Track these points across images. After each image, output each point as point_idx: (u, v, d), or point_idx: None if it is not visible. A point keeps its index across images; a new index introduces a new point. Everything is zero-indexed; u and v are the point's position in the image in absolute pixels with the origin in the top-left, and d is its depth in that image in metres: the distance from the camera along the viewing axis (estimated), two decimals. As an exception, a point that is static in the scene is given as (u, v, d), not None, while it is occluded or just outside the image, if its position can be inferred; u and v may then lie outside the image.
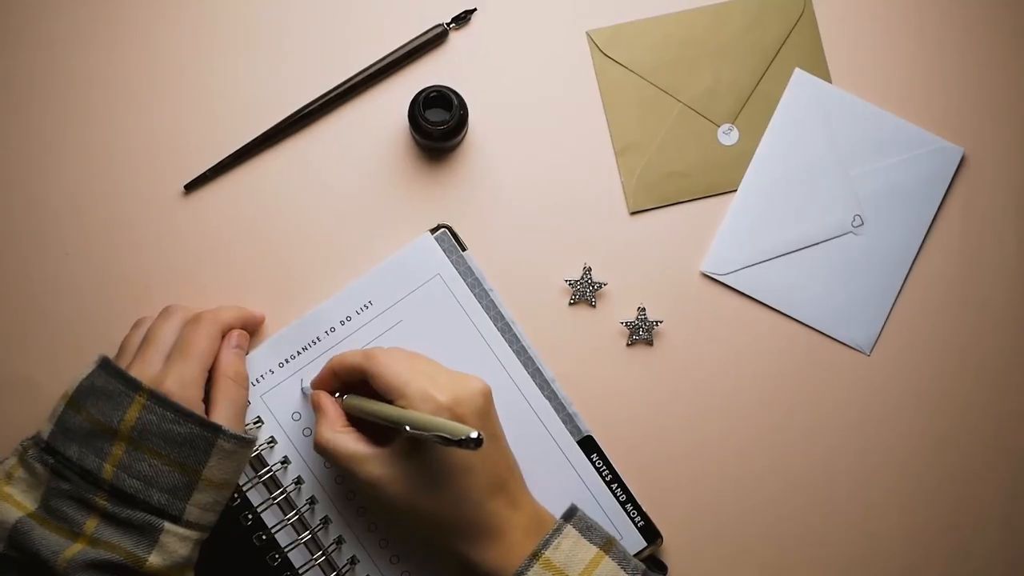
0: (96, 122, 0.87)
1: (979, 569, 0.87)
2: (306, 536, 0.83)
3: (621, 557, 0.76)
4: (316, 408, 0.80)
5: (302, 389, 0.85)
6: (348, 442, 0.76)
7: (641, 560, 0.83)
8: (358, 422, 0.79)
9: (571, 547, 0.75)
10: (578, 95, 0.89)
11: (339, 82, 0.88)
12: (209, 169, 0.87)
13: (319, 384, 0.82)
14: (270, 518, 0.83)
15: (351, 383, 0.80)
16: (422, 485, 0.74)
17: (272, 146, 0.88)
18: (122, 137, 0.87)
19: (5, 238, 0.86)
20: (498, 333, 0.85)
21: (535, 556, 0.74)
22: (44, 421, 0.77)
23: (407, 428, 0.70)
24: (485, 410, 0.76)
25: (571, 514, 0.77)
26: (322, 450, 0.77)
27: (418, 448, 0.74)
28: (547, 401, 0.85)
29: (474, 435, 0.67)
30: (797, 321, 0.88)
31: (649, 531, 0.85)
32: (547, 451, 0.85)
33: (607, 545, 0.77)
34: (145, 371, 0.77)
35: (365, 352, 0.79)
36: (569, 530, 0.76)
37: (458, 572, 0.83)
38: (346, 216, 0.87)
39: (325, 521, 0.84)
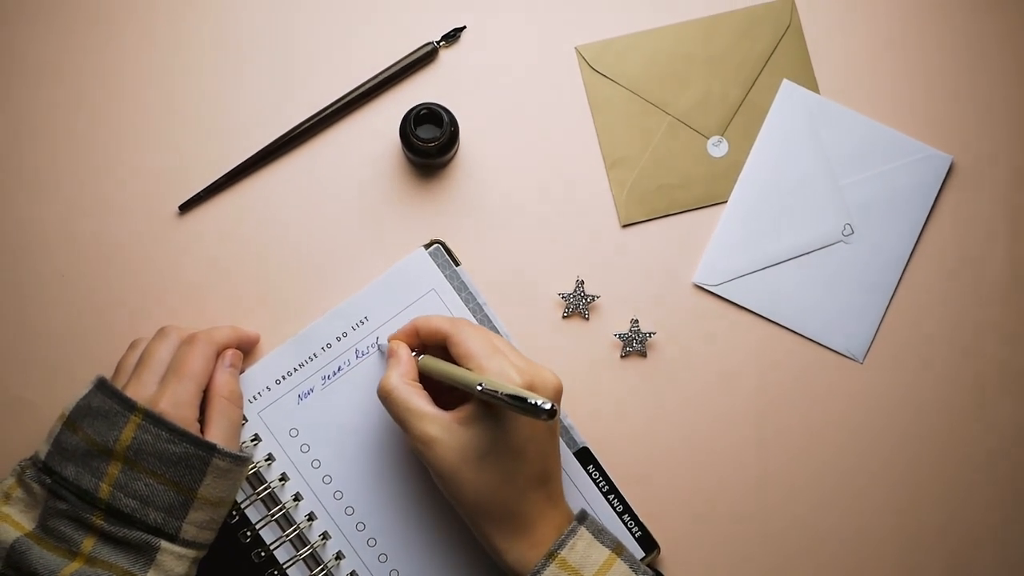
0: (90, 145, 0.88)
1: (975, 575, 0.87)
2: (305, 552, 0.83)
3: (631, 561, 0.77)
4: (391, 356, 0.81)
5: (377, 345, 0.85)
6: (412, 395, 0.77)
7: (638, 571, 0.83)
8: (424, 385, 0.79)
9: (585, 548, 0.75)
10: (568, 110, 0.90)
11: (331, 101, 0.88)
12: (203, 190, 0.87)
13: (399, 338, 0.82)
14: (268, 535, 0.83)
15: (429, 346, 0.81)
16: (473, 458, 0.74)
17: (265, 166, 0.88)
18: (116, 159, 0.88)
19: (1, 261, 0.87)
20: (493, 347, 0.86)
21: (551, 556, 0.74)
22: (41, 441, 0.78)
23: (480, 386, 0.70)
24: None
25: (583, 517, 0.78)
26: (385, 394, 0.78)
27: (478, 422, 0.74)
28: (542, 414, 0.85)
29: (548, 406, 0.67)
30: (789, 330, 0.88)
31: (646, 541, 0.85)
32: (543, 464, 0.85)
33: (618, 548, 0.77)
34: (140, 391, 0.78)
35: (452, 318, 0.80)
36: (583, 531, 0.76)
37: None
38: (340, 233, 0.88)
39: (324, 536, 0.84)
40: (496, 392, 0.69)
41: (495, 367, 0.74)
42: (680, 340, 0.88)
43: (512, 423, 0.74)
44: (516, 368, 0.75)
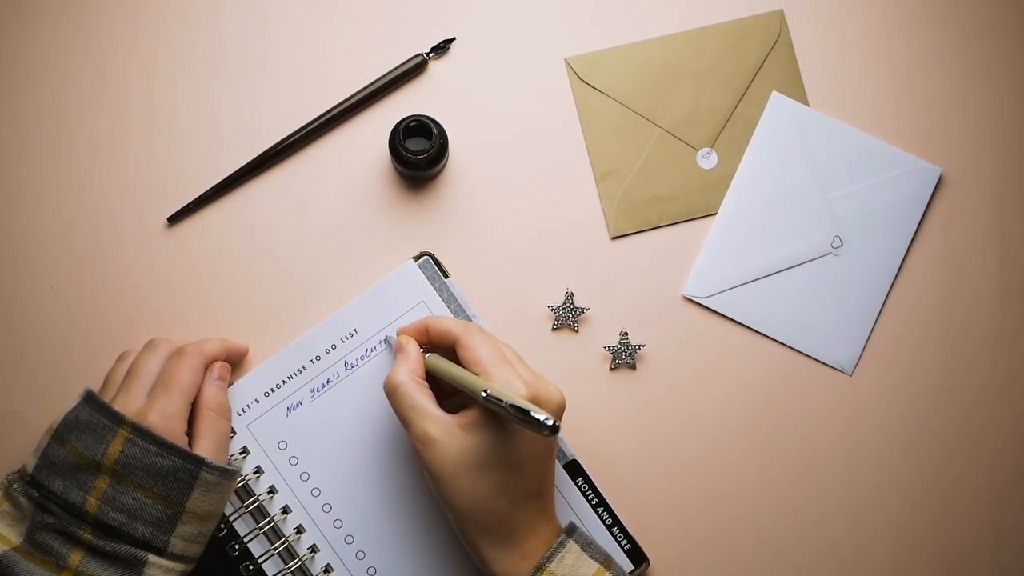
0: (79, 156, 0.88)
1: (965, 587, 0.88)
2: (293, 565, 0.83)
3: (620, 574, 0.77)
4: (400, 351, 0.80)
5: (386, 339, 0.85)
6: (418, 393, 0.77)
7: (627, 583, 0.83)
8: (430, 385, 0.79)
9: (574, 561, 0.75)
10: (557, 122, 0.90)
11: (320, 112, 0.88)
12: (192, 201, 0.87)
13: (409, 333, 0.82)
14: (257, 547, 0.83)
15: (437, 346, 0.81)
16: (471, 465, 0.74)
17: (254, 177, 0.88)
18: (105, 170, 0.88)
19: (-10, 273, 0.87)
20: (482, 359, 0.86)
21: (539, 569, 0.74)
22: (29, 455, 0.78)
23: (485, 392, 0.70)
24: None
25: (572, 530, 0.78)
26: (391, 390, 0.77)
27: (481, 429, 0.74)
28: (531, 426, 0.85)
29: (551, 422, 0.67)
30: (779, 343, 0.88)
31: (635, 554, 0.85)
32: (533, 476, 0.85)
33: (606, 562, 0.77)
34: (129, 404, 0.77)
35: (463, 322, 0.80)
36: (572, 545, 0.76)
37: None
38: (329, 245, 0.88)
39: (312, 549, 0.84)
40: (500, 401, 0.69)
41: (501, 376, 0.74)
42: (669, 352, 0.88)
43: (514, 435, 0.74)
44: (522, 380, 0.74)
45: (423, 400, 0.76)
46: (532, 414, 0.67)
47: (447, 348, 0.79)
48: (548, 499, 0.78)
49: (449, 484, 0.74)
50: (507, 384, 0.74)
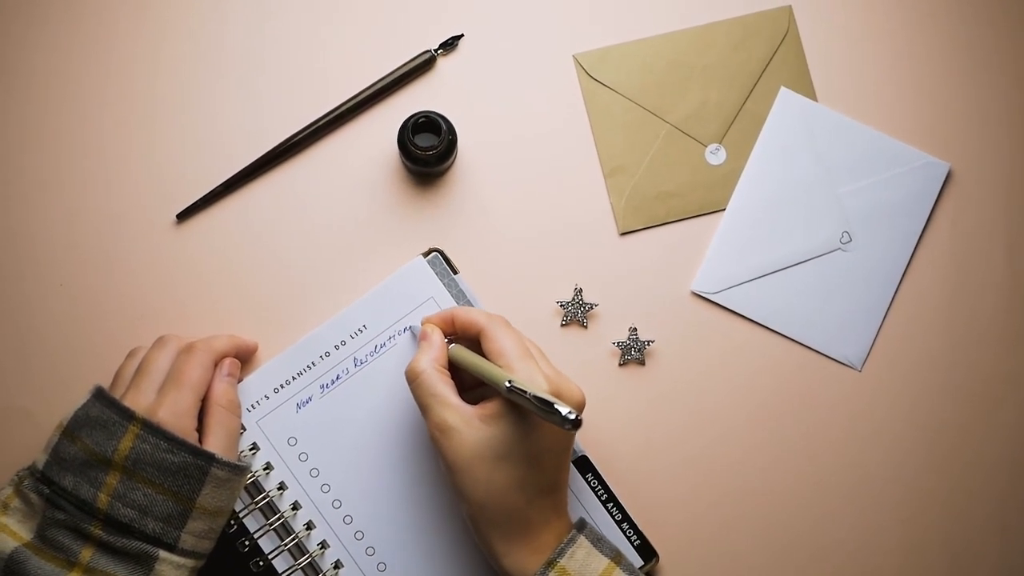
0: (89, 154, 0.88)
1: (975, 582, 0.87)
2: (303, 561, 0.83)
3: (630, 570, 0.77)
4: (424, 339, 0.80)
5: (410, 327, 0.85)
6: (439, 381, 0.77)
7: (637, 579, 0.83)
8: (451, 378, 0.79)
9: (584, 556, 0.75)
10: (566, 118, 0.90)
11: (329, 109, 0.88)
12: (201, 198, 0.87)
13: (434, 322, 0.82)
14: (267, 543, 0.83)
15: (461, 337, 0.81)
16: (489, 456, 0.74)
17: (264, 174, 0.88)
18: (114, 167, 0.88)
19: (0, 270, 0.87)
20: (491, 355, 0.86)
21: (550, 564, 0.74)
22: (40, 451, 0.78)
23: (509, 383, 0.70)
24: None
25: (582, 525, 0.78)
26: (413, 377, 0.77)
27: (500, 421, 0.74)
28: (541, 422, 0.85)
29: (573, 415, 0.67)
30: (788, 338, 0.88)
31: (645, 549, 0.85)
32: (542, 472, 0.85)
33: (617, 557, 0.77)
34: (139, 401, 0.77)
35: (489, 314, 0.80)
36: (582, 540, 0.76)
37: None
38: (338, 242, 0.88)
39: (322, 545, 0.84)
40: (524, 392, 0.69)
41: (524, 370, 0.74)
42: (678, 348, 0.88)
43: (534, 430, 0.74)
44: (544, 375, 0.74)
45: (444, 388, 0.76)
46: (555, 406, 0.67)
47: (472, 339, 0.79)
48: (562, 496, 0.78)
49: (465, 474, 0.74)
50: (530, 378, 0.74)
